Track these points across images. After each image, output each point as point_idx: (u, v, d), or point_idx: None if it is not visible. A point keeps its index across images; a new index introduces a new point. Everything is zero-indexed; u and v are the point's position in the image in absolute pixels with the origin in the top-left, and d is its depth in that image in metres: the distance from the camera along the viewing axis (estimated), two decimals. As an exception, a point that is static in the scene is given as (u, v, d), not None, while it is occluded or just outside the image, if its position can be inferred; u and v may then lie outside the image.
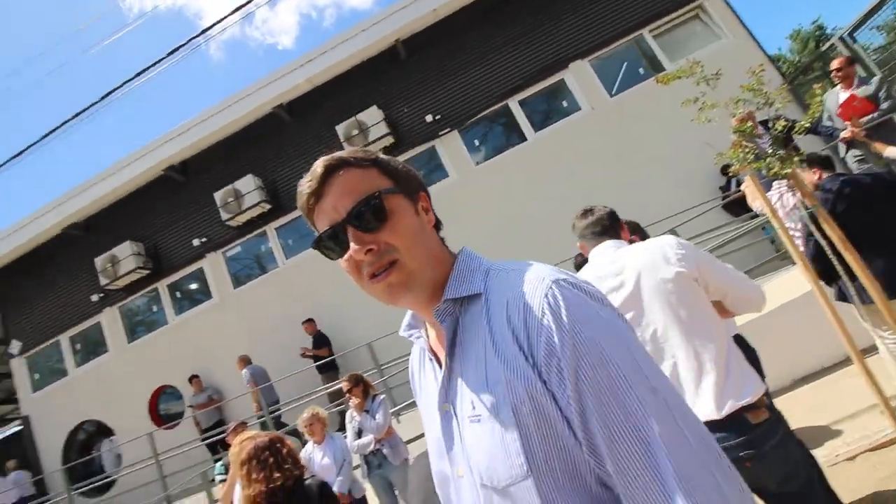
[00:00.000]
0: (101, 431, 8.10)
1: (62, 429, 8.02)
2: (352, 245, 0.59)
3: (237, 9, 6.30)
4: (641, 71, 6.98)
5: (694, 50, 6.52)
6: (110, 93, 5.78)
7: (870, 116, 4.03)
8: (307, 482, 1.77)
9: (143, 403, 7.60)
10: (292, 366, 6.45)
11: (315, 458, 3.23)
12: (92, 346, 8.11)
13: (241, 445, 1.77)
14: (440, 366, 0.66)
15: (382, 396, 3.57)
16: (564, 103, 7.06)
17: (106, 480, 7.18)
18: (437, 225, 0.71)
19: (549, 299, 0.53)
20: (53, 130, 6.03)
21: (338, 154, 0.65)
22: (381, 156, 0.68)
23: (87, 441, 8.30)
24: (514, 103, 7.05)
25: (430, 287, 0.63)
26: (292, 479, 1.68)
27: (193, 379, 6.91)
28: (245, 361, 6.54)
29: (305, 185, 0.63)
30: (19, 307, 8.45)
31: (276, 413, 6.15)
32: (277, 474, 1.65)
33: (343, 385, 3.54)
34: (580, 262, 3.45)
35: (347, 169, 0.63)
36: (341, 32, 7.25)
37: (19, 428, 8.42)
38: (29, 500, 7.19)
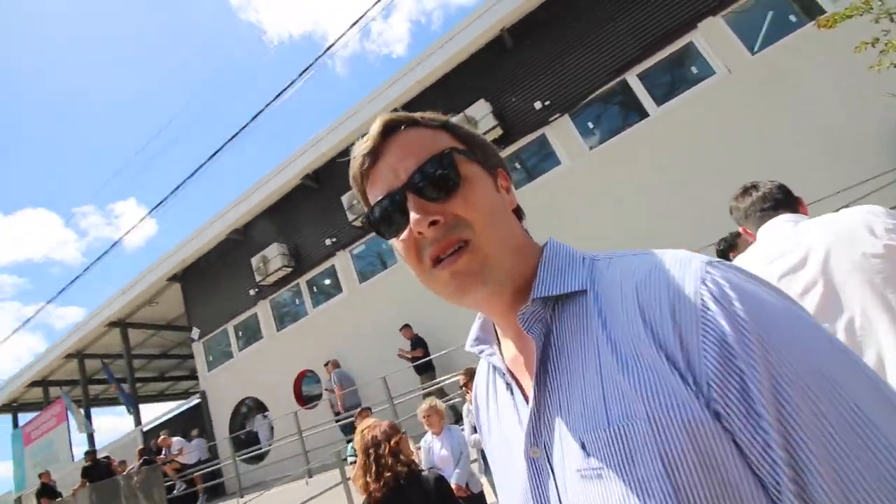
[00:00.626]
0: (259, 407, 9.49)
1: (229, 403, 9.58)
2: (412, 216, 0.46)
3: (354, 23, 6.80)
4: (793, 18, 5.81)
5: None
6: (258, 115, 6.66)
7: None
8: (424, 474, 1.81)
9: (290, 385, 8.71)
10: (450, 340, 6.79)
11: (434, 448, 3.34)
12: (251, 334, 9.52)
13: (361, 434, 1.89)
14: (523, 394, 0.50)
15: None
16: (694, 69, 6.21)
17: (260, 452, 8.38)
18: (519, 212, 0.57)
19: (708, 286, 0.38)
20: (218, 151, 7.15)
21: (402, 112, 0.54)
22: (453, 120, 0.56)
23: (248, 415, 9.80)
24: (632, 77, 6.42)
25: (510, 282, 0.49)
26: (405, 471, 1.74)
27: (326, 365, 7.68)
28: (334, 365, 7.08)
29: (360, 146, 0.52)
30: (198, 300, 10.28)
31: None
32: (389, 471, 1.72)
33: (460, 378, 3.60)
34: (724, 247, 3.00)
35: (412, 127, 0.51)
36: (447, 32, 7.36)
37: (199, 401, 10.27)
38: (206, 462, 8.72)
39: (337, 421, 7.04)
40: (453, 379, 5.62)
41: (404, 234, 0.49)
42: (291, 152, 8.61)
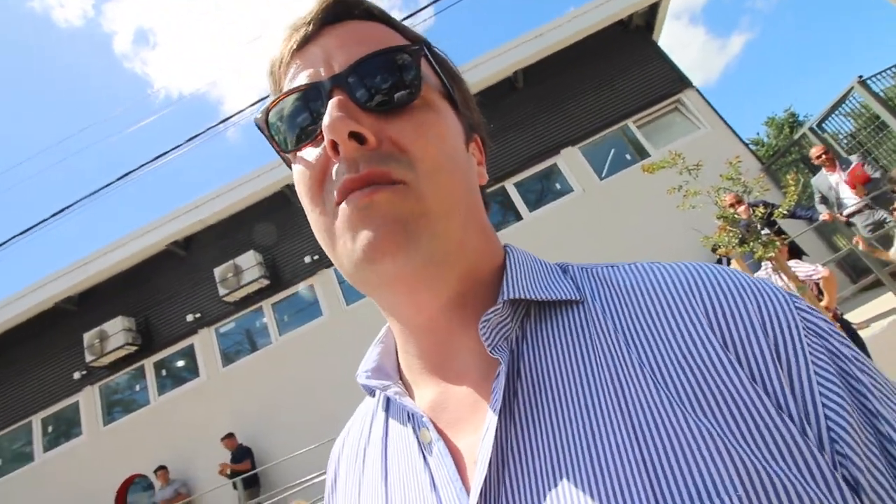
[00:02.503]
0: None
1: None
2: (328, 115, 0.30)
3: (257, 101, 6.80)
4: (628, 157, 7.42)
5: (676, 138, 6.98)
6: (126, 174, 6.03)
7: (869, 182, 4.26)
8: None
9: (110, 497, 6.99)
10: (284, 448, 6.03)
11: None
12: (66, 429, 7.64)
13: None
14: (454, 462, 0.31)
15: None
16: (557, 185, 7.39)
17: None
18: (485, 199, 0.43)
19: (801, 316, 0.29)
20: (65, 209, 6.19)
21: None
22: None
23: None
24: (510, 185, 7.38)
25: (461, 262, 0.34)
26: None
27: (159, 471, 6.39)
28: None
29: (291, 26, 0.36)
30: (-4, 385, 8.08)
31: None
32: None
33: None
34: None
35: (372, 21, 0.37)
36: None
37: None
38: None
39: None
40: (277, 499, 5.07)
41: (313, 150, 0.33)
42: (158, 216, 7.81)
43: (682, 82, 7.27)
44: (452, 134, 0.35)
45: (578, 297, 0.34)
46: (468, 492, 0.30)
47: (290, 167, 0.37)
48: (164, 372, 7.55)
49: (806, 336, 0.28)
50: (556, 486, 0.27)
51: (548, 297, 0.34)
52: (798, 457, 0.24)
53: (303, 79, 0.34)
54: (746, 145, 7.17)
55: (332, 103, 0.31)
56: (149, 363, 7.51)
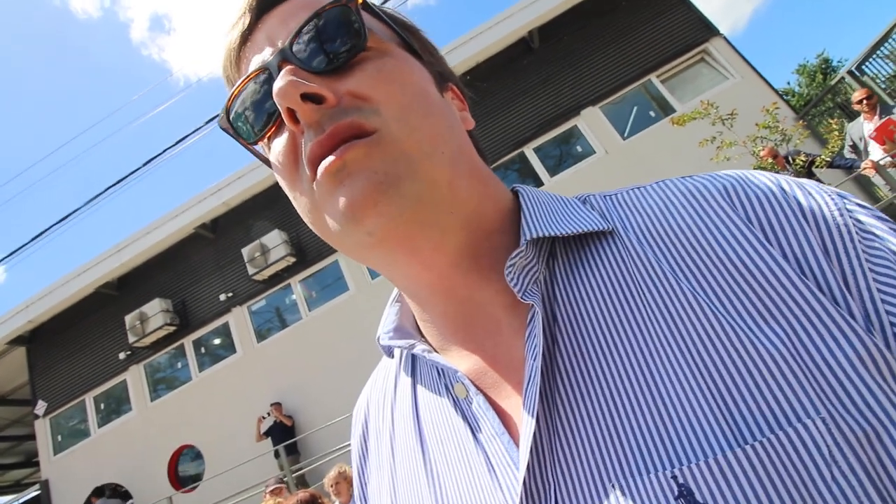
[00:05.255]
0: (118, 496, 7.93)
1: (81, 494, 7.88)
2: (277, 82, 0.28)
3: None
4: (652, 114, 7.14)
5: (703, 90, 6.67)
6: (151, 160, 6.15)
7: None
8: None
9: (164, 465, 7.46)
10: (320, 418, 6.30)
11: (343, 520, 3.08)
12: (116, 406, 8.11)
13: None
14: (498, 416, 0.30)
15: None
16: (579, 148, 7.21)
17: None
18: (479, 146, 0.40)
19: (851, 215, 0.27)
20: (96, 196, 6.38)
21: None
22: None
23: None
24: (528, 150, 7.23)
25: (459, 210, 0.31)
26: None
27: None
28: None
29: (231, 24, 0.35)
30: (48, 367, 8.59)
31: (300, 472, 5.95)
32: None
33: (328, 480, 3.34)
34: None
35: None
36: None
37: (38, 493, 8.31)
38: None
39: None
40: (316, 465, 5.28)
41: (279, 132, 0.31)
42: (187, 199, 7.98)
43: (708, 30, 6.89)
44: (417, 77, 0.32)
45: (607, 227, 0.31)
46: (517, 445, 0.28)
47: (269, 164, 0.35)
48: (202, 349, 7.88)
49: (858, 234, 0.26)
50: (616, 429, 0.25)
51: (573, 230, 0.31)
52: (869, 359, 0.22)
53: (252, 66, 0.33)
54: (780, 95, 6.81)
55: (280, 74, 0.29)
56: (188, 342, 7.84)
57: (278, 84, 0.28)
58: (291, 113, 0.29)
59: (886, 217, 0.28)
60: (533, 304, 0.29)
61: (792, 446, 0.22)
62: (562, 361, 0.29)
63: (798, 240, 0.26)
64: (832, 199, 0.28)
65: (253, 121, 0.32)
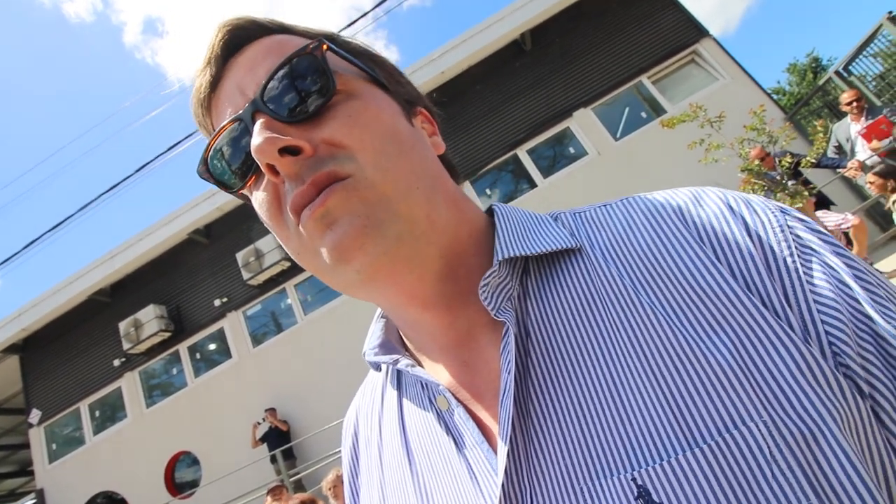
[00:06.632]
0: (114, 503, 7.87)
1: (76, 502, 7.82)
2: (254, 138, 0.30)
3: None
4: (644, 115, 7.20)
5: (693, 91, 6.74)
6: (144, 166, 6.13)
7: (889, 139, 4.05)
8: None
9: (160, 472, 7.42)
10: (316, 422, 6.29)
11: (340, 524, 3.09)
12: (111, 413, 8.05)
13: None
14: (476, 426, 0.32)
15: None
16: (571, 149, 7.25)
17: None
18: (451, 166, 0.42)
19: (791, 231, 0.29)
20: (88, 204, 6.35)
21: (254, 18, 0.36)
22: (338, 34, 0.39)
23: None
24: (522, 152, 7.27)
25: (436, 238, 0.33)
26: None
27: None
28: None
29: (199, 70, 0.36)
30: (41, 375, 8.52)
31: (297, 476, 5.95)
32: None
33: (326, 483, 3.34)
34: None
35: (270, 37, 0.35)
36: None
37: (33, 502, 8.24)
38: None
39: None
40: (312, 470, 5.28)
41: (259, 181, 0.33)
42: (180, 205, 7.95)
43: (698, 32, 6.96)
44: (387, 114, 0.34)
45: (575, 245, 0.34)
46: (496, 453, 0.30)
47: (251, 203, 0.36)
48: (198, 355, 7.85)
49: (797, 250, 0.28)
50: (583, 436, 0.28)
51: (543, 249, 0.34)
52: (805, 367, 0.25)
53: (224, 117, 0.34)
54: (769, 95, 6.88)
55: (255, 128, 0.30)
56: (183, 348, 7.81)
57: (255, 142, 0.29)
58: (271, 167, 0.30)
59: (823, 231, 0.31)
60: (506, 322, 0.32)
61: (738, 447, 0.24)
62: (534, 373, 0.31)
63: (744, 258, 0.28)
64: (775, 216, 0.30)
65: (232, 171, 0.34)
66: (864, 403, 0.25)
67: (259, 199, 0.33)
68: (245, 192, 0.35)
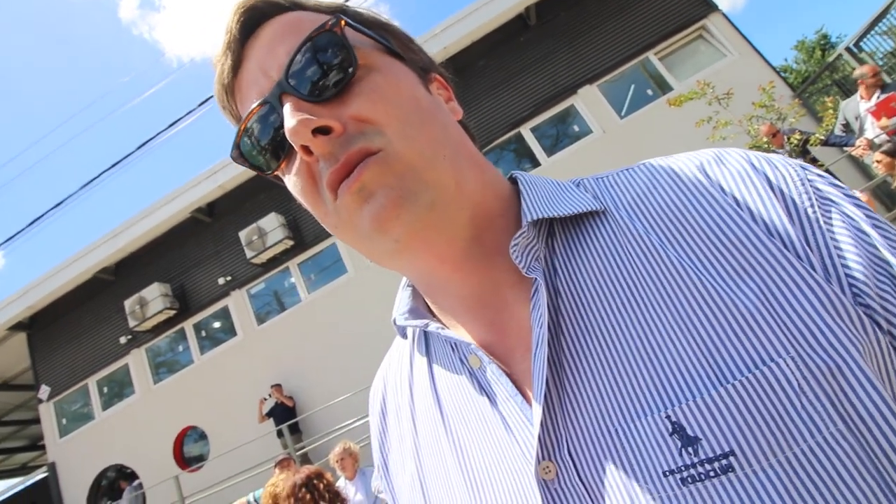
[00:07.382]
0: (126, 477, 8.09)
1: (87, 476, 8.04)
2: (287, 123, 0.31)
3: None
4: (650, 92, 7.09)
5: (701, 68, 6.62)
6: (145, 143, 6.08)
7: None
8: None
9: (168, 446, 7.60)
10: (321, 398, 6.42)
11: (349, 493, 3.18)
12: (119, 389, 8.20)
13: (274, 485, 1.77)
14: (510, 382, 0.33)
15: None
16: (576, 127, 7.17)
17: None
18: (469, 131, 0.43)
19: (811, 184, 0.31)
20: (91, 181, 6.34)
21: None
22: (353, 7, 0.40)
23: (111, 487, 8.28)
24: (525, 130, 7.19)
25: (466, 203, 0.34)
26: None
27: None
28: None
29: (219, 56, 0.37)
30: (49, 352, 8.65)
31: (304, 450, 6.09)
32: None
33: (333, 456, 3.38)
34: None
35: (284, 13, 0.36)
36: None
37: (45, 475, 8.46)
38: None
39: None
40: (318, 444, 5.39)
41: (293, 161, 0.34)
42: (182, 184, 7.92)
43: (706, 6, 6.79)
44: (406, 85, 0.35)
45: (599, 207, 0.35)
46: (530, 405, 0.32)
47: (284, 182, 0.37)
48: (203, 333, 7.95)
49: (817, 200, 0.30)
50: (615, 382, 0.29)
51: (569, 211, 0.35)
52: (829, 304, 0.26)
53: (251, 100, 0.35)
54: (777, 72, 6.77)
55: (285, 111, 0.31)
56: (188, 325, 7.90)
57: (289, 124, 0.30)
58: (306, 148, 0.31)
59: (842, 185, 0.32)
60: (536, 278, 0.33)
61: (767, 382, 0.26)
62: (565, 328, 0.32)
63: (765, 205, 0.30)
64: (795, 170, 0.32)
65: (265, 153, 0.35)
66: (884, 338, 0.27)
67: (293, 179, 0.34)
68: (277, 172, 0.36)
